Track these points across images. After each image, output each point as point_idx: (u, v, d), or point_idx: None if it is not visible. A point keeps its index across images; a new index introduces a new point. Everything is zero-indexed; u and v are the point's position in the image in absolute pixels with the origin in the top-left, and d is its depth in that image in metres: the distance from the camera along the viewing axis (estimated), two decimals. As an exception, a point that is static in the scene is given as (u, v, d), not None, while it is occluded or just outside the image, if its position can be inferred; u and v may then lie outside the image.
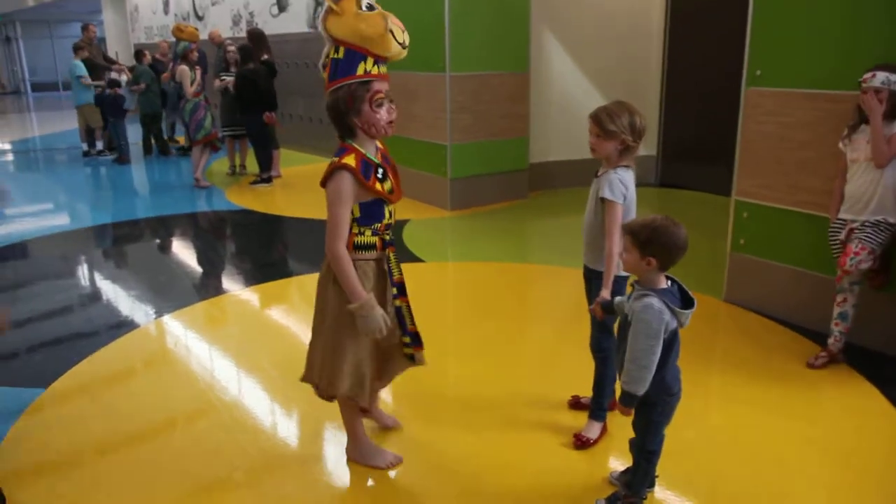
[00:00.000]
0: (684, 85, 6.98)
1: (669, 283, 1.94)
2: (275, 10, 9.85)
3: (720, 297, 4.01)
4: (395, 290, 2.15)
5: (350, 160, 2.03)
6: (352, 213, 2.07)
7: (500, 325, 3.67)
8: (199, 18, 12.05)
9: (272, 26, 9.70)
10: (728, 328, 3.68)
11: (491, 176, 6.32)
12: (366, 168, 2.04)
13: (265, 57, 7.32)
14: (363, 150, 2.05)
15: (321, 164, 8.76)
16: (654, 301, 1.85)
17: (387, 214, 2.12)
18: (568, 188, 6.90)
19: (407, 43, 1.97)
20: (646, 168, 7.21)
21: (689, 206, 6.34)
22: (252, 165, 8.16)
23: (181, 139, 10.15)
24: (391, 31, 1.92)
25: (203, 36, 10.50)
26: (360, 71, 1.96)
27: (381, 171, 2.07)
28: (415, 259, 4.72)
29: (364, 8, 1.94)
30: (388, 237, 2.14)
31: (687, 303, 1.90)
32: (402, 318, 2.21)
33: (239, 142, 8.07)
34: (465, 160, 6.10)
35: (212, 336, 3.65)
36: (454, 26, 5.84)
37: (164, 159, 9.25)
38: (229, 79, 7.60)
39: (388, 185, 2.09)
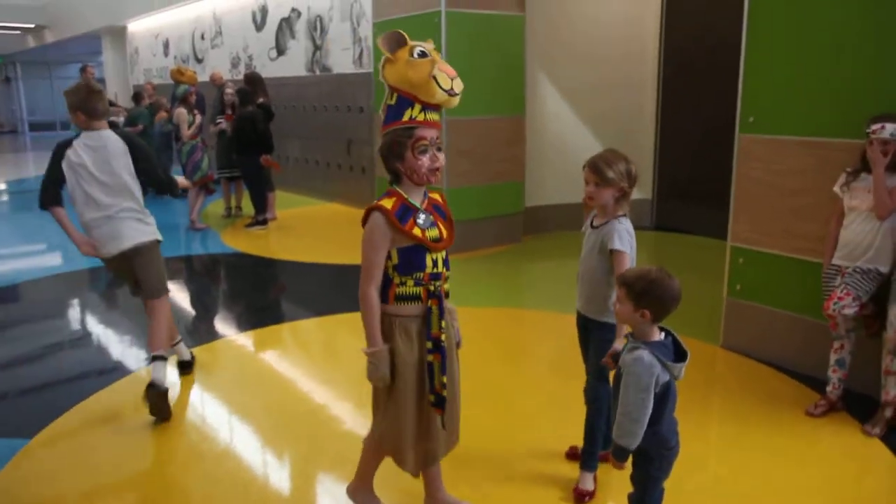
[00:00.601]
0: (679, 126, 7.05)
1: (663, 334, 1.94)
2: (273, 53, 10.00)
3: (717, 343, 4.00)
4: (430, 345, 2.06)
5: (387, 202, 2.02)
6: (390, 258, 2.03)
7: (495, 372, 3.65)
8: (199, 61, 12.21)
9: (270, 70, 9.83)
10: (725, 375, 3.66)
11: (487, 220, 6.35)
12: (403, 211, 2.02)
13: (262, 100, 7.40)
14: (406, 195, 2.04)
15: (317, 207, 8.83)
16: (645, 354, 1.85)
17: (430, 263, 2.04)
18: (560, 231, 6.91)
19: (457, 90, 1.96)
20: (641, 211, 7.25)
21: (685, 249, 6.36)
22: (248, 207, 8.20)
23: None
24: (435, 78, 1.92)
25: (203, 78, 10.64)
26: (405, 117, 1.98)
27: (422, 216, 2.04)
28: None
29: (415, 55, 1.95)
30: (433, 287, 2.05)
31: (681, 355, 1.90)
32: (432, 376, 2.09)
33: (234, 184, 8.10)
34: (462, 204, 6.16)
35: (203, 383, 3.61)
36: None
37: (160, 200, 9.27)
38: (223, 122, 7.68)
39: (433, 232, 2.05)
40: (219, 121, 7.78)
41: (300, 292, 5.27)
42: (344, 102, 8.53)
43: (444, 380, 2.07)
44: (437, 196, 2.16)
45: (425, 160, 2.01)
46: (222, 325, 4.54)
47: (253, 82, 7.52)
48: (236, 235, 7.17)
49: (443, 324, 2.04)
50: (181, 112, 7.39)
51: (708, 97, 6.62)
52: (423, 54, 1.95)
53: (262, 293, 5.32)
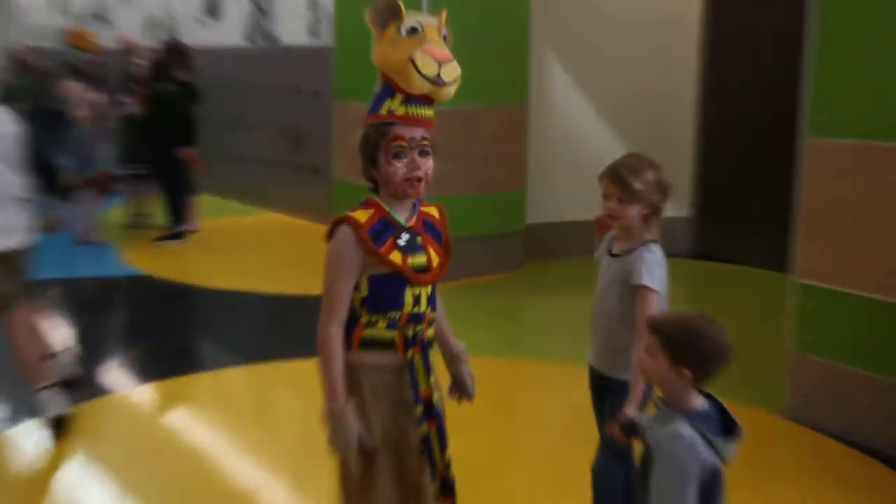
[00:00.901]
0: (727, 125, 7.05)
1: (705, 401, 1.93)
2: (203, 16, 9.93)
3: (783, 415, 3.93)
4: (420, 410, 2.07)
5: (361, 214, 2.04)
6: (358, 289, 2.03)
7: (484, 441, 3.63)
8: (102, 21, 12.12)
9: (198, 37, 9.74)
10: (797, 459, 3.62)
11: (475, 240, 6.24)
12: (381, 228, 2.04)
13: (184, 75, 7.31)
14: (387, 208, 2.07)
15: (252, 217, 8.80)
16: (684, 429, 1.85)
17: (409, 300, 2.05)
18: (570, 257, 6.87)
19: (447, 78, 2.03)
20: (675, 233, 7.16)
21: (734, 285, 6.29)
22: (160, 215, 7.97)
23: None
24: (413, 61, 1.95)
25: (109, 44, 10.49)
26: (383, 110, 2.03)
27: (405, 236, 2.06)
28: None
29: (403, 32, 2.00)
30: (411, 333, 2.06)
31: (730, 430, 1.89)
32: (432, 453, 2.11)
33: (143, 184, 7.94)
34: None
35: (86, 453, 3.51)
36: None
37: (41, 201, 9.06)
38: (130, 103, 7.59)
39: (417, 259, 2.07)
40: (124, 101, 7.66)
41: (226, 331, 5.21)
42: (294, 83, 8.47)
43: (449, 458, 2.12)
44: (433, 211, 2.19)
45: (399, 166, 2.00)
46: (116, 375, 4.48)
47: (173, 52, 7.41)
48: (143, 252, 7.08)
49: (431, 379, 2.07)
50: (72, 86, 7.26)
51: (768, 78, 6.59)
52: (413, 31, 1.99)
53: (173, 331, 5.25)
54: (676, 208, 7.22)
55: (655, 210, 2.43)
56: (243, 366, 4.56)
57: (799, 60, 3.73)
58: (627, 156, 2.49)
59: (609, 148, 6.52)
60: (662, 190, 2.43)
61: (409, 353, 2.06)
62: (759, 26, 6.72)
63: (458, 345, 2.23)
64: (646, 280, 2.35)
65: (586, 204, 6.53)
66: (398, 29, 1.99)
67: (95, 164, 7.24)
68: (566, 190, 6.85)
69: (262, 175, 9.06)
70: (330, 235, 2.05)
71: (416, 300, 2.06)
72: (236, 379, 4.42)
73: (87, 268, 6.59)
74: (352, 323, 2.04)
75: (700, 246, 7.25)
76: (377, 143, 2.01)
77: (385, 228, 2.03)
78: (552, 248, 6.89)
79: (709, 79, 7.14)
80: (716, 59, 7.10)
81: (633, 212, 2.41)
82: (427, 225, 2.12)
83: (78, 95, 7.20)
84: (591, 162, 6.75)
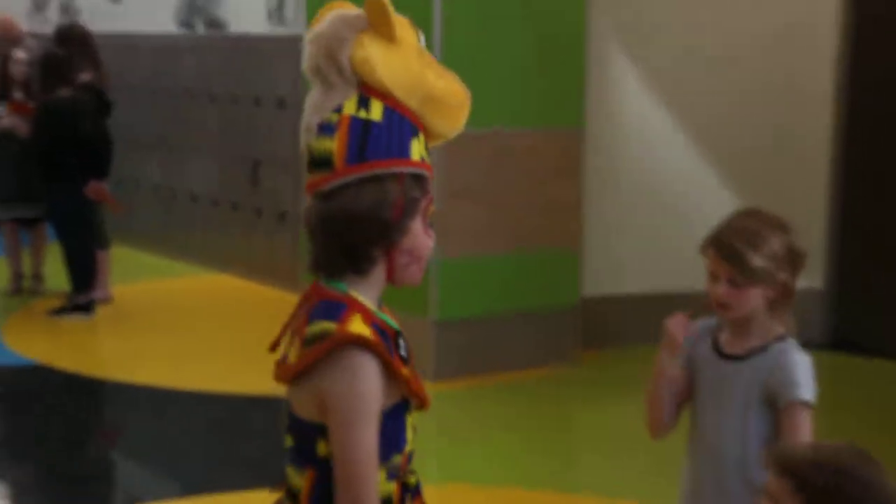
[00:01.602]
0: (878, 160, 7.09)
1: None
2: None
3: None
4: None
5: (360, 327, 1.99)
6: (326, 432, 2.02)
7: None
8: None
9: (107, 21, 9.84)
10: None
11: (511, 320, 6.32)
12: (383, 340, 2.03)
13: (88, 77, 7.44)
14: (367, 305, 2.07)
15: (190, 280, 8.79)
16: None
17: (410, 435, 2.10)
18: (648, 345, 6.77)
19: None
20: (803, 313, 7.13)
21: (888, 389, 6.31)
22: (57, 277, 8.03)
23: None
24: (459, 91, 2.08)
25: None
26: (415, 154, 2.03)
27: (402, 344, 2.09)
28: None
29: (422, 41, 2.07)
30: (413, 480, 2.15)
31: None
32: None
33: (31, 233, 8.09)
34: (464, 289, 6.11)
35: None
36: (449, 47, 6.05)
37: None
38: (5, 116, 7.73)
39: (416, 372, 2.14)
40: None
41: (152, 448, 5.19)
42: (249, 88, 8.62)
43: None
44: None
45: (432, 235, 2.11)
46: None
47: (73, 42, 7.52)
48: (32, 332, 7.14)
49: None
50: None
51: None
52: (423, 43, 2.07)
53: (76, 449, 5.21)
54: (806, 278, 7.24)
55: (785, 292, 2.46)
56: (178, 500, 4.56)
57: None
58: (741, 215, 2.51)
59: (707, 193, 6.66)
60: (794, 262, 2.46)
61: None
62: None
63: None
64: (805, 393, 2.39)
65: (674, 269, 6.55)
66: (419, 37, 2.04)
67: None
68: (643, 248, 6.88)
69: (204, 221, 9.10)
70: (309, 366, 1.98)
71: (414, 433, 2.11)
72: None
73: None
74: (325, 483, 2.02)
75: (837, 331, 7.25)
76: (417, 203, 2.04)
77: (384, 339, 2.02)
78: (622, 332, 6.85)
79: (850, 109, 7.20)
80: (862, 84, 7.18)
81: (753, 299, 2.44)
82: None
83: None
84: (675, 209, 6.86)
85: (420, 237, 2.05)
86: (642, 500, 4.64)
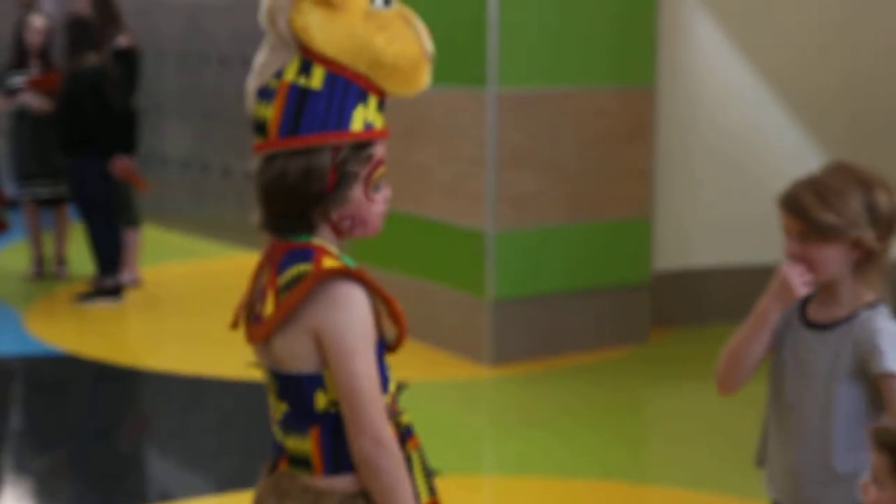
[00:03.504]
0: None
1: None
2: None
3: None
4: None
5: (334, 263, 2.15)
6: (322, 380, 2.16)
7: None
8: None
9: None
10: None
11: (575, 297, 6.32)
12: None
13: (122, 42, 7.47)
14: (332, 249, 2.22)
15: (227, 260, 8.84)
16: None
17: (391, 374, 2.26)
18: (729, 324, 6.79)
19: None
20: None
21: None
22: (81, 261, 8.10)
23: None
24: (425, 50, 2.15)
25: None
26: (356, 124, 2.13)
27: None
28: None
29: (377, 3, 2.13)
30: (405, 420, 2.27)
31: None
32: None
33: (54, 213, 8.12)
34: (521, 266, 6.10)
35: None
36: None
37: None
38: (25, 90, 7.77)
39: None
40: (17, 86, 7.79)
41: (187, 441, 5.27)
42: None
43: None
44: None
45: (381, 201, 2.22)
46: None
47: (101, 6, 7.51)
48: (57, 318, 7.23)
49: (432, 482, 2.28)
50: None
51: None
52: (387, 1, 2.14)
53: (105, 442, 5.31)
54: None
55: (870, 253, 2.44)
56: (215, 496, 4.65)
57: None
58: (826, 169, 2.53)
59: (801, 157, 6.62)
60: (878, 219, 2.44)
61: (408, 448, 2.22)
62: None
63: None
64: (892, 363, 2.37)
65: (759, 242, 6.68)
66: None
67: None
68: (723, 217, 6.86)
69: (237, 197, 9.10)
70: (303, 294, 2.11)
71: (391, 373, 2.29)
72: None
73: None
74: (333, 435, 2.16)
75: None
76: (355, 173, 2.14)
77: None
78: (700, 309, 6.93)
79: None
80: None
81: (831, 256, 2.45)
82: None
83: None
84: (759, 175, 6.92)
85: (361, 204, 2.18)
86: (723, 490, 4.71)
